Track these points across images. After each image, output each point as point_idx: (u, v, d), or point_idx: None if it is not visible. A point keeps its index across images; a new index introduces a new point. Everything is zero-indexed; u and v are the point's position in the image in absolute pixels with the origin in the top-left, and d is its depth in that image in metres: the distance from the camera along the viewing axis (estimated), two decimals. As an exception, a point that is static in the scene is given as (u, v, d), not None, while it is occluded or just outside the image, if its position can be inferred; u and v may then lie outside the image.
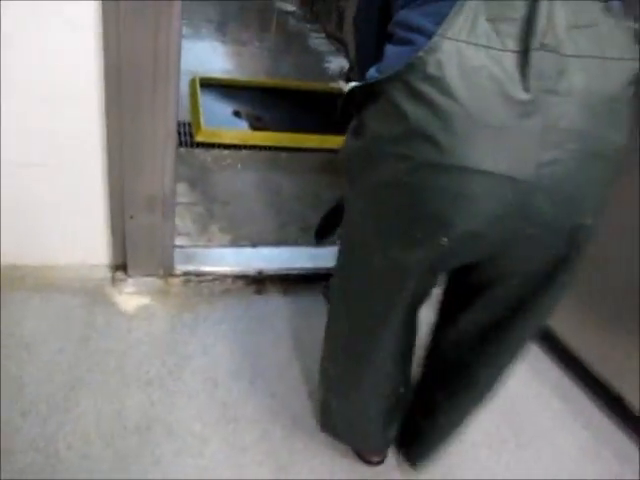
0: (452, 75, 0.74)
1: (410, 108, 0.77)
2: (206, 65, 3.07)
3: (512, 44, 0.74)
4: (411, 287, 0.98)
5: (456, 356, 1.17)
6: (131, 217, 1.59)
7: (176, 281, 1.75)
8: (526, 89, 0.74)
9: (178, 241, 1.86)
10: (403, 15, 0.84)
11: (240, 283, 1.81)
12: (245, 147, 2.46)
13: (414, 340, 1.20)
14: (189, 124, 2.47)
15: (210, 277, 1.78)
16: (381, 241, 0.94)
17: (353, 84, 0.88)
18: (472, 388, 1.19)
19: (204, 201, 2.09)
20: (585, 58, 0.75)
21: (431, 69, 0.74)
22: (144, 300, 1.69)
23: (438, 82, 0.74)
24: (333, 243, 1.50)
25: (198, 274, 1.78)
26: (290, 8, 4.42)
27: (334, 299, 1.22)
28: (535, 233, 0.84)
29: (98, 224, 1.64)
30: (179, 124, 2.18)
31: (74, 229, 1.64)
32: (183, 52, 1.46)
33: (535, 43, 0.73)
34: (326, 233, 1.39)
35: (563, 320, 1.63)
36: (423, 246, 0.87)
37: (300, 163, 2.41)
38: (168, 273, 1.74)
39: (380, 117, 0.84)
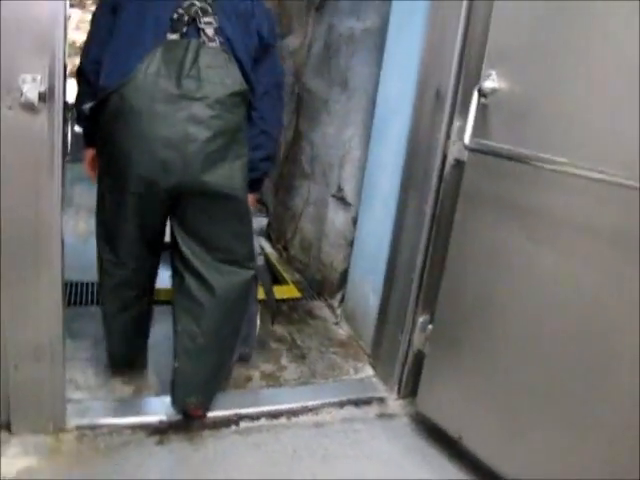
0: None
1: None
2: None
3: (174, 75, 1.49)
4: None
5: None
6: (15, 367, 1.53)
7: (68, 437, 1.63)
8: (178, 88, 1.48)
9: (76, 395, 1.79)
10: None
11: (141, 434, 1.70)
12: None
13: None
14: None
15: (106, 430, 1.68)
16: None
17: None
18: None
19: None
20: (212, 82, 1.50)
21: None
22: (30, 461, 1.55)
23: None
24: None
25: (93, 427, 1.67)
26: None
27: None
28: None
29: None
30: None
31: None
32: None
33: (184, 74, 1.48)
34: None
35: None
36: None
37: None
38: (59, 428, 1.63)
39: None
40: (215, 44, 1.52)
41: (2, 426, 1.59)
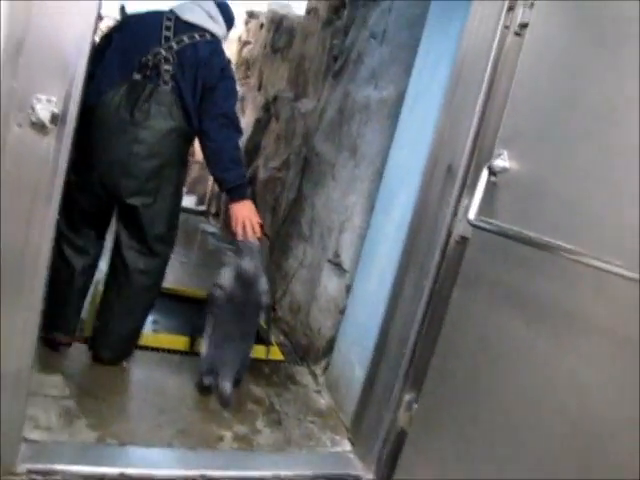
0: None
1: None
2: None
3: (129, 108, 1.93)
4: None
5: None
6: (-27, 395, 1.42)
7: (17, 481, 1.51)
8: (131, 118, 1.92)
9: (34, 435, 1.67)
10: None
11: (96, 486, 1.58)
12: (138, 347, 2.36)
13: None
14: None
15: (60, 478, 1.55)
16: None
17: None
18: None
19: (78, 395, 1.92)
20: (158, 117, 1.95)
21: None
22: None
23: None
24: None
25: (46, 473, 1.54)
26: (212, 229, 4.72)
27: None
28: None
29: None
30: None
31: None
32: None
33: (138, 107, 1.94)
34: None
35: None
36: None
37: (191, 366, 2.30)
38: (7, 471, 1.50)
39: None
40: (168, 87, 1.94)
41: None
